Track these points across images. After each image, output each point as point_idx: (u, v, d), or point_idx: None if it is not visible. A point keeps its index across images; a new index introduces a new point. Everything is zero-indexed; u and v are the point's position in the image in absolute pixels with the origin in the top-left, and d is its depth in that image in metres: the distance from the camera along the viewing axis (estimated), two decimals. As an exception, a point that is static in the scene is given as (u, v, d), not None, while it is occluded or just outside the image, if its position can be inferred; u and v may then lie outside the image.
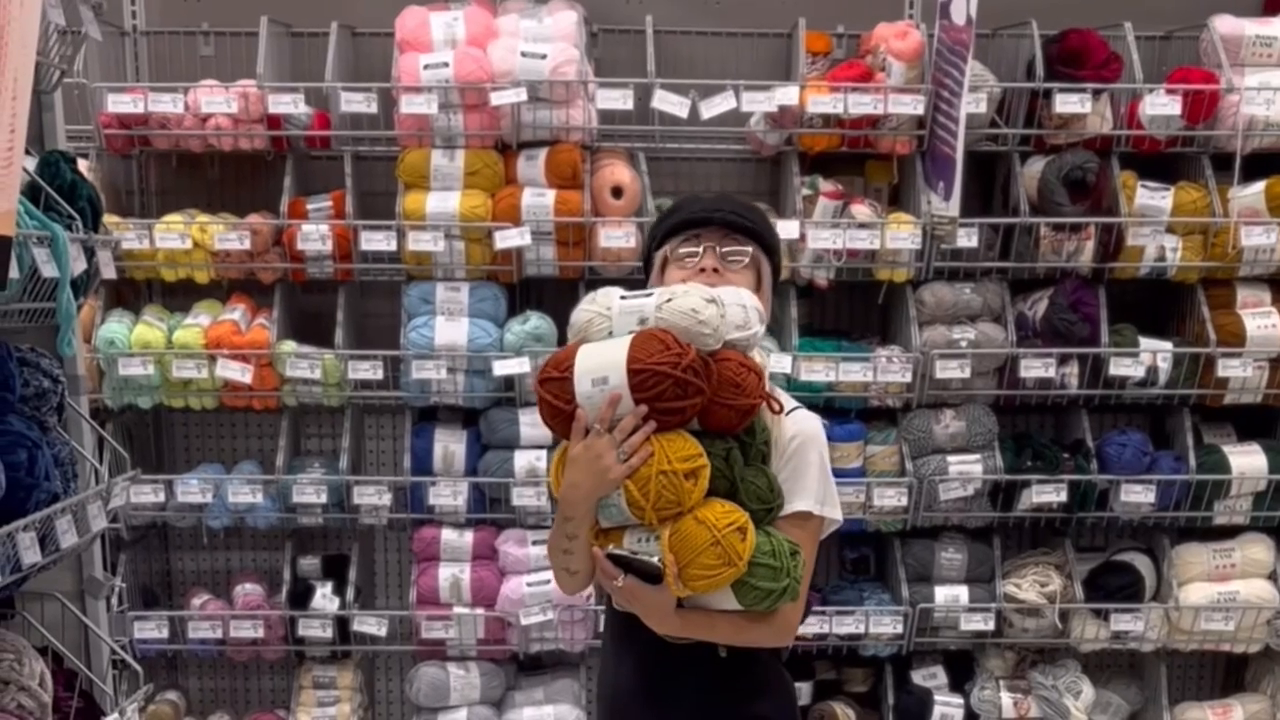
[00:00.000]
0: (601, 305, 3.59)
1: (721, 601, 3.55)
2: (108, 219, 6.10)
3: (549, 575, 6.20)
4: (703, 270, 3.76)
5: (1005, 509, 6.49)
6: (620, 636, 3.87)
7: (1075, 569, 6.56)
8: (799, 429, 3.71)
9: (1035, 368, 6.35)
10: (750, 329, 3.59)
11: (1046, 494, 6.38)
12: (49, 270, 3.42)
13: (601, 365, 3.47)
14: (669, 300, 3.51)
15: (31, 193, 3.55)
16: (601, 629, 4.12)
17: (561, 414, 3.53)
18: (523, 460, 6.37)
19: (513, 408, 6.42)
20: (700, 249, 3.80)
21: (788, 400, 3.79)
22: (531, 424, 6.36)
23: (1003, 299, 6.47)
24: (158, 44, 6.76)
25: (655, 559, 3.46)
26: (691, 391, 3.43)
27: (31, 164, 3.66)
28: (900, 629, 6.45)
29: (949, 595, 6.51)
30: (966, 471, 6.37)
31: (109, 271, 4.12)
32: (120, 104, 6.25)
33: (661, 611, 3.56)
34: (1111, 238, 6.36)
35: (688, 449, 3.47)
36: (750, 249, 3.84)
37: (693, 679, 3.73)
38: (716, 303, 3.53)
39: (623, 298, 3.58)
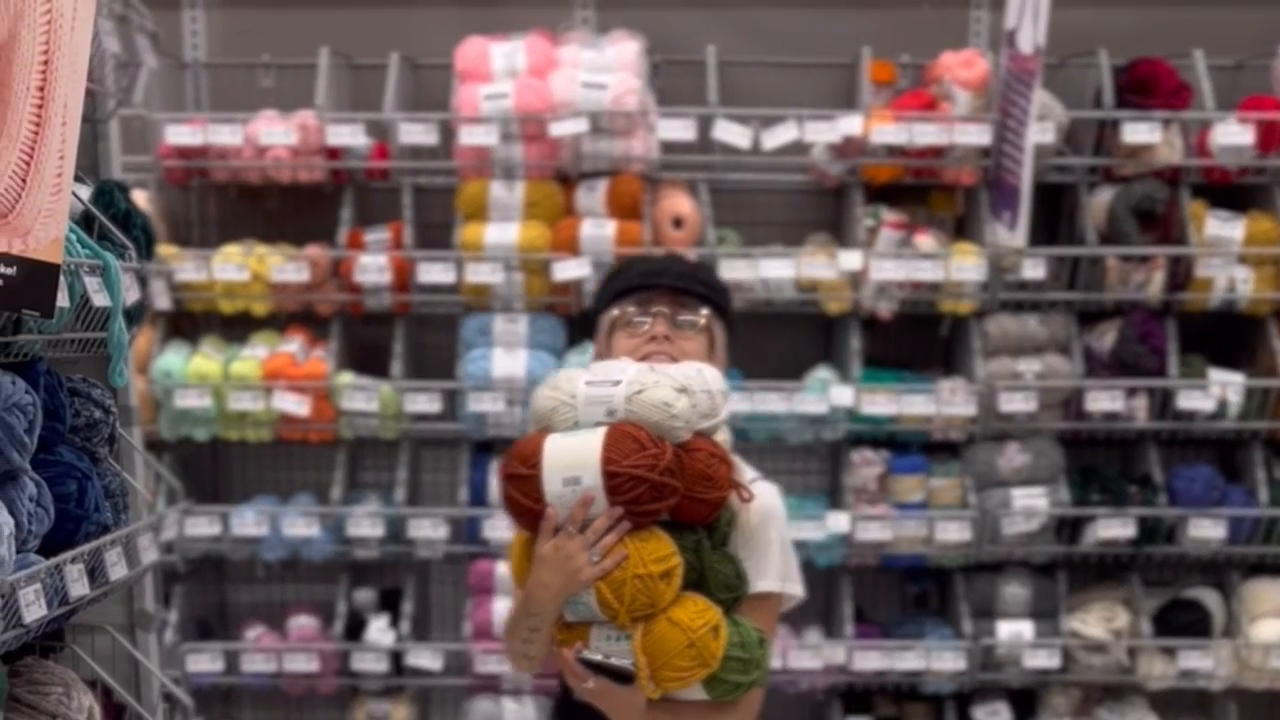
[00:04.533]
0: (565, 392, 3.49)
1: (690, 694, 3.49)
2: (166, 250, 6.13)
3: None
4: (654, 338, 3.71)
5: (1071, 543, 6.40)
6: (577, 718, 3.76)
7: (1143, 605, 6.47)
8: (760, 505, 3.64)
9: (1102, 400, 6.27)
10: (717, 415, 3.54)
11: (1114, 528, 6.28)
12: (101, 299, 3.38)
13: (573, 464, 3.39)
14: (639, 392, 3.42)
15: (85, 221, 3.53)
16: (553, 710, 4.06)
17: (529, 512, 3.46)
18: (579, 493, 6.30)
19: (570, 440, 6.34)
20: (651, 315, 3.74)
21: (747, 470, 3.76)
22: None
23: (1069, 331, 6.39)
24: (217, 76, 6.77)
25: (627, 662, 3.40)
26: (667, 493, 3.38)
27: (85, 193, 3.63)
28: (963, 665, 6.35)
29: (1013, 631, 6.41)
30: (1031, 505, 6.28)
31: (161, 301, 4.09)
32: (179, 135, 6.25)
33: (631, 710, 3.51)
34: (1181, 269, 6.29)
35: (662, 549, 3.41)
36: (703, 316, 3.79)
37: None
38: (687, 392, 3.45)
39: (588, 384, 3.48)
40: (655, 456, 3.35)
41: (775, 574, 3.67)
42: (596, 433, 3.41)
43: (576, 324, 6.45)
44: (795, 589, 3.75)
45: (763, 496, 3.69)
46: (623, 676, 3.41)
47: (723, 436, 3.64)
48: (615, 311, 3.80)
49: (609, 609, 3.41)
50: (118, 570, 3.63)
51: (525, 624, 3.55)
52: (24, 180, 2.61)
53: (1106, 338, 6.38)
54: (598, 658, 3.42)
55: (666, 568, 3.39)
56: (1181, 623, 6.46)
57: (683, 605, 3.42)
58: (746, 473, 3.75)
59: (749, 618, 3.56)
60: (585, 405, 3.44)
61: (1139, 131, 6.21)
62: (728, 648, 3.44)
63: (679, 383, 3.45)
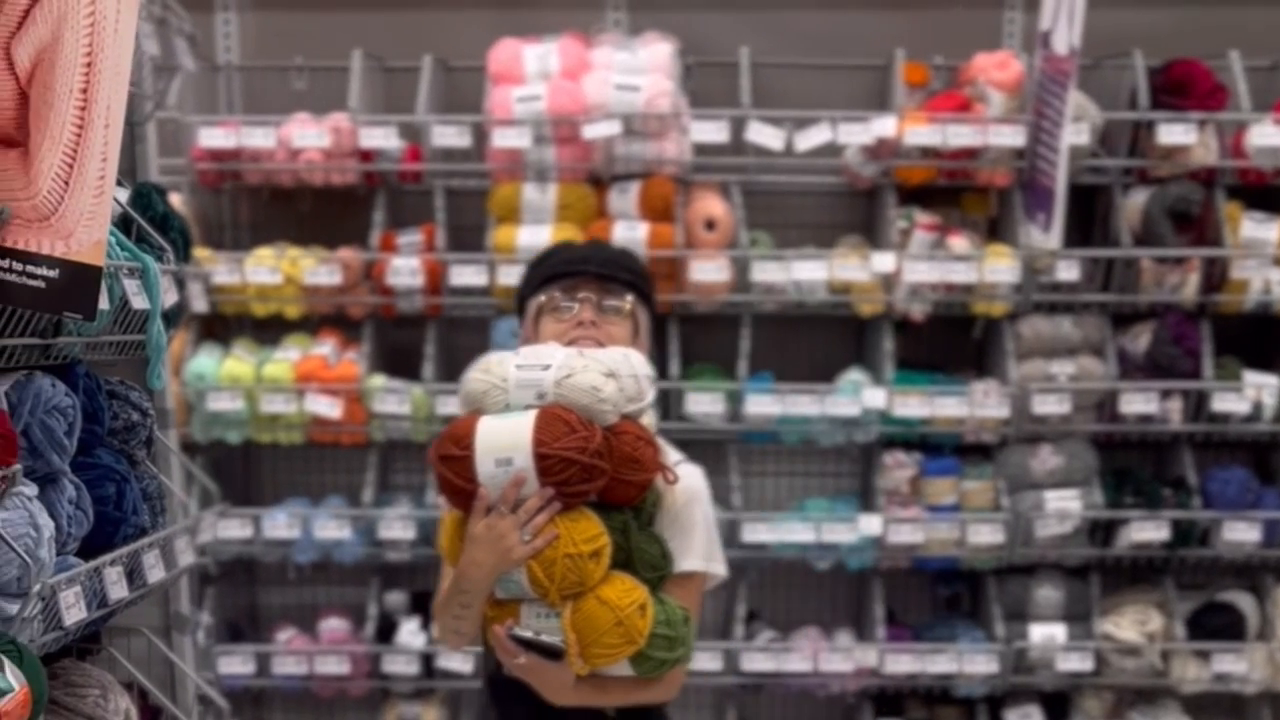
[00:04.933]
0: (497, 375, 3.58)
1: (617, 670, 3.60)
2: (199, 253, 6.12)
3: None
4: (580, 323, 3.81)
5: (1104, 546, 6.38)
6: (505, 699, 3.86)
7: (1176, 608, 6.44)
8: (685, 487, 3.75)
9: (1137, 403, 6.25)
10: (644, 399, 3.64)
11: (1147, 531, 6.26)
12: (140, 302, 3.39)
13: (505, 445, 3.48)
14: (569, 376, 3.52)
15: (123, 224, 3.54)
16: (482, 684, 4.10)
17: (462, 492, 3.55)
18: (609, 496, 6.30)
19: (601, 443, 6.34)
20: (577, 301, 3.84)
21: (672, 453, 3.85)
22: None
23: (1103, 332, 6.37)
24: (250, 78, 6.78)
25: (557, 639, 3.51)
26: (597, 474, 3.48)
27: (123, 196, 3.64)
28: (995, 668, 6.34)
29: (1045, 634, 6.39)
30: (1065, 508, 6.26)
31: (199, 304, 4.10)
32: (213, 138, 6.26)
33: (560, 686, 3.60)
34: (1216, 270, 6.26)
35: (591, 529, 3.52)
36: (629, 301, 3.88)
37: None
38: (615, 377, 3.54)
39: (518, 367, 3.57)
40: (585, 439, 3.45)
41: (699, 554, 3.78)
42: (527, 415, 3.50)
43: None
44: (719, 568, 3.86)
45: (687, 478, 3.80)
46: (553, 653, 3.52)
47: (648, 420, 3.72)
48: (542, 297, 3.91)
49: (539, 587, 3.51)
50: (155, 573, 3.64)
51: (457, 601, 3.64)
52: (66, 183, 2.61)
53: (1141, 340, 6.35)
54: (529, 634, 3.53)
55: (595, 547, 3.50)
56: (1215, 626, 6.43)
57: (611, 584, 3.53)
58: (671, 455, 3.86)
59: (674, 596, 3.67)
60: (516, 388, 3.55)
61: (1174, 133, 6.19)
62: (654, 625, 3.55)
63: (607, 367, 3.56)
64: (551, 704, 3.69)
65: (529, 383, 3.54)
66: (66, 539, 3.13)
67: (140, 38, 3.52)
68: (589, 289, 3.88)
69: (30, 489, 2.90)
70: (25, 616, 2.81)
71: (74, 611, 3.09)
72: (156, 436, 3.89)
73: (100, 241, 2.68)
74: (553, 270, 3.94)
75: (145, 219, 3.68)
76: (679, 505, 3.75)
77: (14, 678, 2.58)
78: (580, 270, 3.90)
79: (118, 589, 3.39)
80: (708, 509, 3.86)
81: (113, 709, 3.41)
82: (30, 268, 2.65)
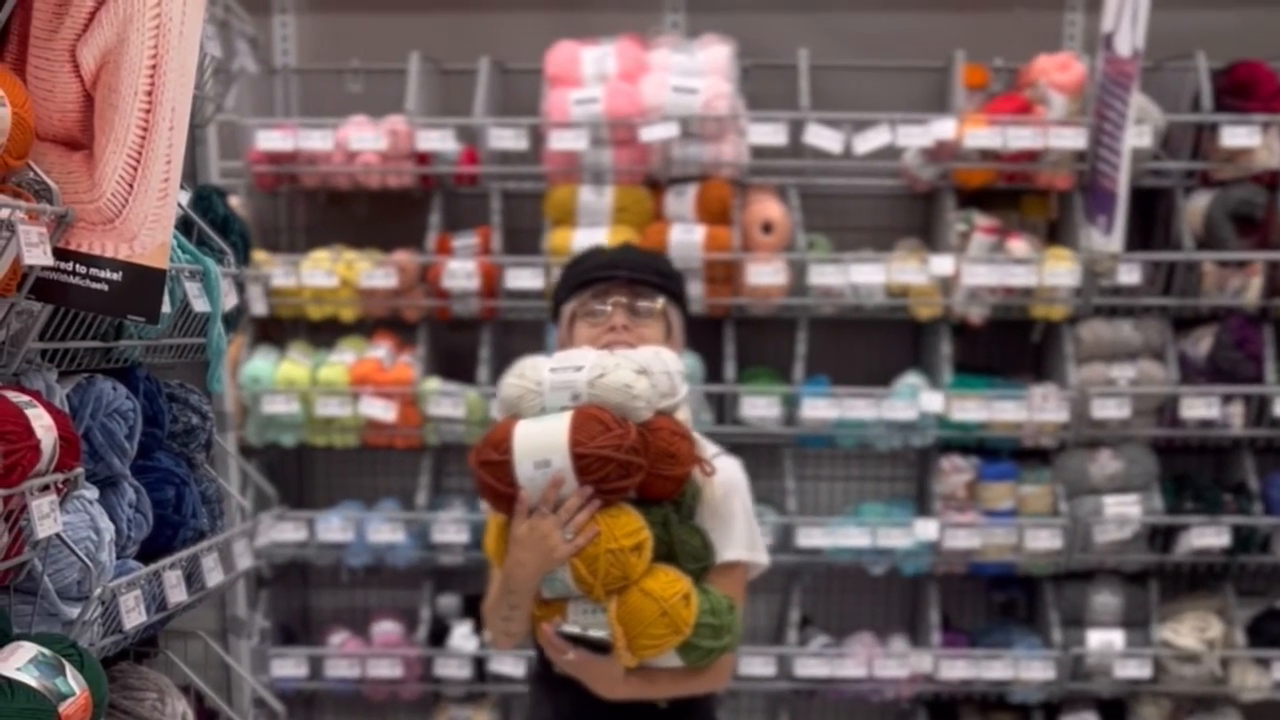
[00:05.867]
0: (531, 380, 3.66)
1: (666, 661, 3.68)
2: (256, 255, 6.13)
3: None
4: (613, 328, 3.86)
5: (1164, 552, 6.33)
6: (556, 697, 3.92)
7: (1236, 614, 6.39)
8: (723, 479, 3.84)
9: (1198, 407, 6.20)
10: (677, 395, 3.72)
11: (1208, 537, 6.21)
12: (200, 305, 3.40)
13: (542, 447, 3.56)
14: (601, 376, 3.59)
15: (184, 227, 3.55)
16: (531, 682, 4.20)
17: (503, 496, 3.62)
18: (665, 499, 6.28)
19: (655, 446, 6.32)
20: (609, 305, 3.89)
21: (709, 446, 3.91)
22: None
23: (1164, 336, 6.33)
24: (307, 82, 6.80)
25: (604, 633, 3.60)
26: (634, 470, 3.56)
27: (184, 198, 3.65)
28: (1051, 674, 6.29)
29: (1103, 640, 6.34)
30: (1124, 513, 6.22)
31: (259, 307, 4.12)
32: (270, 140, 6.27)
33: (610, 680, 3.69)
34: (1279, 274, 6.19)
35: (631, 524, 3.59)
36: (660, 302, 3.95)
37: None
38: (647, 373, 3.61)
39: (552, 370, 3.64)
40: (620, 437, 3.53)
41: (741, 543, 3.85)
42: (563, 417, 3.58)
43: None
44: (760, 557, 3.93)
45: (725, 470, 3.89)
46: (601, 647, 3.62)
47: (683, 415, 3.79)
48: (575, 303, 3.96)
49: (584, 583, 3.60)
50: (214, 576, 3.65)
51: (505, 602, 3.74)
52: (131, 185, 2.61)
53: (1202, 344, 6.31)
54: (576, 630, 3.63)
55: (637, 541, 3.58)
56: (1276, 633, 6.39)
57: (654, 576, 3.61)
58: (708, 448, 3.90)
59: (718, 586, 3.76)
60: (550, 391, 3.63)
61: (1238, 135, 6.14)
62: (699, 615, 3.63)
63: (638, 365, 3.63)
64: (602, 698, 3.75)
65: (563, 385, 3.61)
66: (126, 542, 3.14)
67: (203, 40, 3.52)
68: (621, 293, 3.93)
69: (91, 492, 2.91)
70: (86, 620, 2.82)
71: (134, 615, 3.10)
72: (215, 440, 3.90)
73: (164, 244, 2.68)
74: (585, 276, 3.99)
75: (206, 222, 3.70)
76: (718, 497, 3.81)
77: (75, 682, 2.58)
78: (612, 275, 3.95)
79: (177, 592, 3.40)
80: (746, 499, 3.94)
81: (170, 712, 3.41)
82: (94, 270, 2.65)
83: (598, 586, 3.58)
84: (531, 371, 3.67)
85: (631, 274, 3.94)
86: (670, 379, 3.69)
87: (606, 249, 4.29)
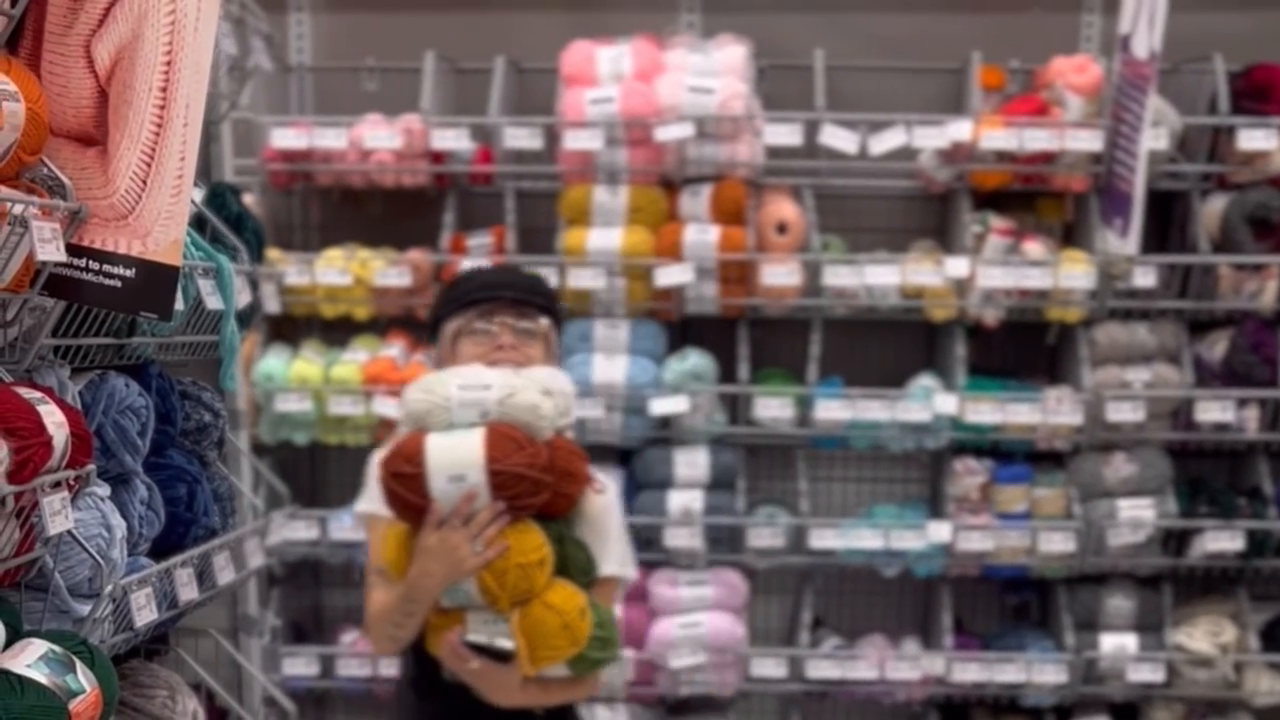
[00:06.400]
0: (439, 395, 3.77)
1: (555, 671, 3.83)
2: (269, 254, 6.13)
3: (701, 618, 6.19)
4: (500, 347, 4.00)
5: (1178, 556, 6.31)
6: (440, 699, 4.03)
7: (1250, 619, 6.37)
8: (601, 496, 4.01)
9: (1213, 411, 6.18)
10: (571, 415, 3.94)
11: (1222, 541, 6.20)
12: (214, 302, 3.40)
13: (456, 462, 3.69)
14: (510, 395, 3.74)
15: (198, 224, 3.56)
16: (401, 688, 4.31)
17: (413, 507, 3.73)
18: (677, 500, 6.30)
19: (668, 447, 6.34)
20: (496, 325, 4.02)
21: None
22: (687, 464, 6.29)
23: (1179, 340, 6.31)
24: (322, 79, 6.81)
25: (510, 643, 3.74)
26: (543, 488, 3.72)
27: (198, 196, 3.65)
28: (1064, 678, 6.28)
29: (1116, 644, 6.32)
30: (1138, 516, 6.20)
31: (272, 305, 4.14)
32: (285, 138, 6.27)
33: (507, 688, 3.83)
34: (1294, 277, 6.19)
35: (535, 539, 3.75)
36: (544, 323, 4.09)
37: None
38: (550, 395, 3.78)
39: (460, 387, 3.76)
40: (534, 455, 3.69)
41: (617, 559, 4.03)
42: (474, 433, 3.72)
43: (678, 329, 6.44)
44: (631, 572, 4.13)
45: (605, 487, 4.08)
46: (503, 656, 3.76)
47: (570, 434, 4.01)
48: (460, 321, 4.07)
49: (490, 595, 3.74)
50: (225, 574, 3.66)
51: (402, 610, 3.84)
52: (144, 182, 2.61)
53: (1217, 347, 6.29)
54: (482, 640, 3.76)
55: (541, 556, 3.74)
56: (1291, 638, 6.37)
57: (555, 590, 3.77)
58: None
59: (596, 599, 3.92)
60: (459, 407, 3.77)
61: (1255, 138, 6.12)
62: (592, 628, 3.79)
63: (543, 386, 3.81)
64: (487, 706, 3.90)
65: (472, 402, 3.74)
66: (138, 540, 3.14)
67: (218, 36, 3.52)
68: (507, 313, 4.05)
69: (103, 489, 2.91)
70: (97, 617, 2.82)
71: (145, 613, 3.10)
72: (227, 437, 3.91)
73: (177, 241, 2.67)
74: (471, 295, 4.10)
75: (220, 219, 3.70)
76: (596, 512, 3.98)
77: (85, 679, 2.57)
78: (498, 296, 4.07)
79: (188, 590, 3.41)
80: (620, 516, 4.13)
81: (180, 710, 3.42)
82: (107, 267, 2.65)
83: (504, 598, 3.72)
84: (439, 387, 3.78)
85: (516, 295, 4.08)
86: (566, 399, 3.90)
87: (489, 270, 4.48)
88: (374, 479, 3.98)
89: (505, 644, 3.72)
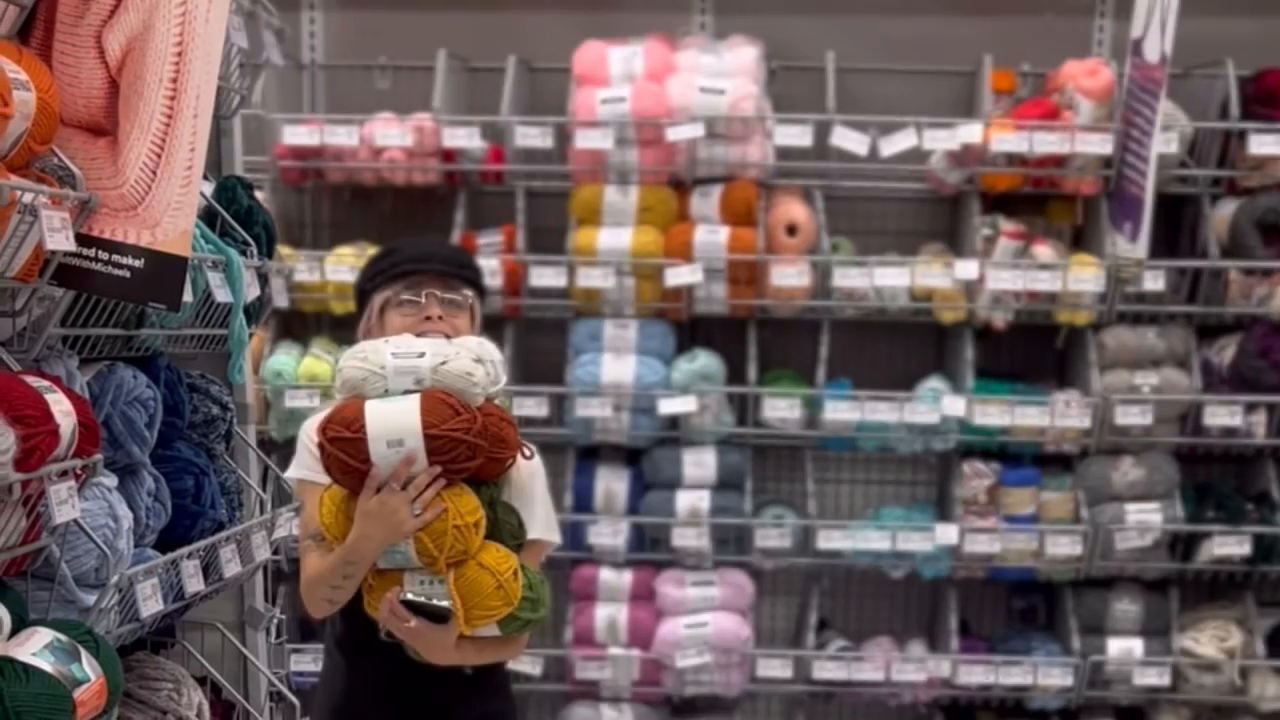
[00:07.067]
0: (374, 363, 3.82)
1: (486, 631, 3.90)
2: (280, 250, 6.14)
3: (708, 618, 6.20)
4: (429, 318, 4.06)
5: (1184, 560, 6.32)
6: (375, 659, 4.08)
7: (1256, 624, 6.37)
8: (527, 462, 4.07)
9: (1221, 415, 6.18)
10: (500, 382, 3.95)
11: (1229, 546, 6.20)
12: (222, 295, 3.41)
13: (395, 428, 3.73)
14: (444, 363, 3.79)
15: (208, 218, 3.56)
16: (329, 649, 4.40)
17: (353, 471, 3.76)
18: (685, 500, 6.30)
19: (676, 447, 6.35)
20: (423, 296, 4.08)
21: None
22: (695, 464, 6.30)
23: (1188, 344, 6.31)
24: (334, 77, 6.82)
25: (446, 603, 3.80)
26: (478, 453, 3.78)
27: (209, 189, 3.66)
28: (1070, 681, 6.28)
29: (1122, 648, 6.33)
30: (1145, 520, 6.20)
31: (281, 300, 4.16)
32: (296, 135, 6.29)
33: (443, 647, 3.88)
34: (1304, 283, 6.19)
35: (470, 503, 3.82)
36: (468, 296, 4.17)
37: (445, 691, 4.09)
38: (482, 363, 3.83)
39: (394, 355, 3.82)
40: (469, 421, 3.74)
41: (541, 524, 4.11)
42: (411, 399, 3.77)
43: (686, 329, 6.44)
44: (555, 536, 4.22)
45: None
46: (440, 616, 3.81)
47: (501, 401, 4.04)
48: (387, 293, 4.15)
49: (427, 556, 3.80)
50: (231, 567, 3.66)
51: (341, 572, 3.88)
52: (154, 172, 2.62)
53: (1226, 352, 6.29)
54: (420, 599, 3.81)
55: (476, 518, 3.81)
56: (1297, 644, 6.37)
57: (488, 552, 3.85)
58: None
59: (524, 562, 4.00)
60: (394, 375, 3.80)
61: (1265, 143, 6.12)
62: (523, 589, 3.86)
63: (475, 354, 3.85)
64: (421, 665, 3.96)
65: (407, 370, 3.79)
66: (145, 531, 3.15)
67: (230, 30, 3.53)
68: (434, 285, 4.11)
69: (110, 480, 2.92)
70: (102, 607, 2.82)
71: (150, 604, 3.11)
72: (235, 431, 3.92)
73: (186, 232, 2.68)
74: (399, 268, 4.16)
75: (230, 213, 3.70)
76: (523, 478, 4.07)
77: (90, 668, 2.58)
78: (425, 268, 4.14)
79: (194, 582, 3.41)
80: (544, 482, 4.21)
81: (185, 703, 3.43)
82: (116, 257, 2.66)
83: (441, 560, 3.79)
84: (374, 355, 3.82)
85: (443, 268, 4.15)
86: (496, 368, 3.92)
87: (414, 242, 4.50)
88: (305, 445, 4.07)
89: (442, 603, 3.79)
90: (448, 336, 4.01)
